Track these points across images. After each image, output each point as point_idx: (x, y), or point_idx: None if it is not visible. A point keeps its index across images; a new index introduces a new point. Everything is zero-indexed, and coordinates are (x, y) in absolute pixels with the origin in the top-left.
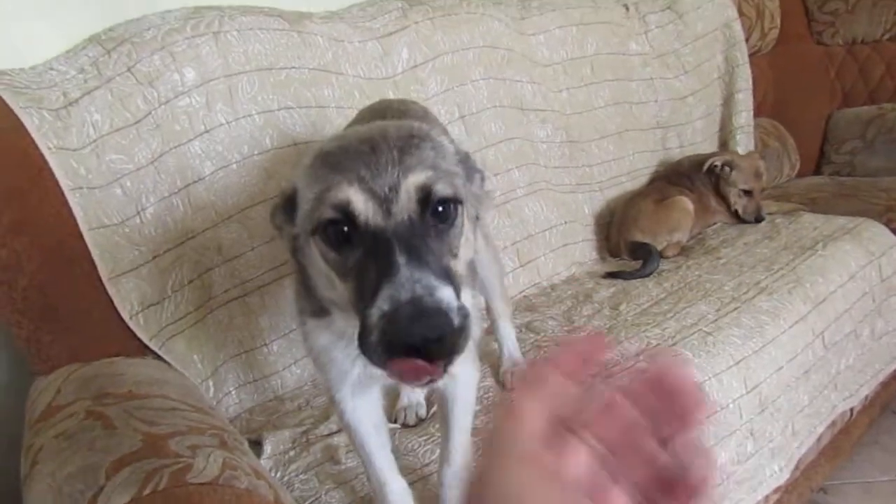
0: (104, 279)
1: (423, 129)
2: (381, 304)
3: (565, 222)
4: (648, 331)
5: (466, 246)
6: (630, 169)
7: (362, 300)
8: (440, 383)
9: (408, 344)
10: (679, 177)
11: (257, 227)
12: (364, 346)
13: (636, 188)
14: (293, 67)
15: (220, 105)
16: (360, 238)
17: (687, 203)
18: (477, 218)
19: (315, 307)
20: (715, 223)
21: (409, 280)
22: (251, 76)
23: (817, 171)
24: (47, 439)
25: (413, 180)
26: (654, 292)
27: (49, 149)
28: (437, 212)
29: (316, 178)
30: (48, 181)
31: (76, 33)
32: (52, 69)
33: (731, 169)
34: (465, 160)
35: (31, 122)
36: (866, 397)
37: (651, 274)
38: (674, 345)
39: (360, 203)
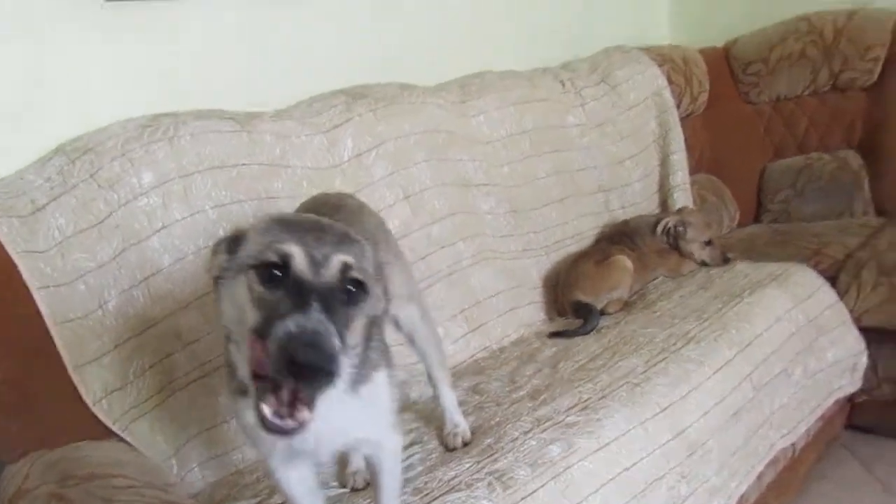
0: (69, 369)
1: (358, 235)
2: (290, 325)
3: (512, 287)
4: (582, 386)
5: (356, 331)
6: (574, 232)
7: (267, 325)
8: (368, 453)
9: (298, 360)
10: (621, 236)
11: (213, 312)
12: (263, 348)
13: (580, 249)
14: (243, 164)
15: (175, 203)
16: (287, 284)
17: (626, 262)
18: (374, 317)
19: (241, 386)
20: (656, 278)
21: (316, 317)
22: (204, 175)
23: (757, 220)
24: None
25: (342, 257)
26: (593, 348)
27: (17, 252)
28: (349, 290)
29: (268, 231)
30: (17, 282)
31: (45, 145)
32: (21, 179)
33: (685, 227)
34: (379, 270)
35: (1, 231)
36: (808, 433)
37: (591, 331)
38: (603, 398)
39: (300, 259)
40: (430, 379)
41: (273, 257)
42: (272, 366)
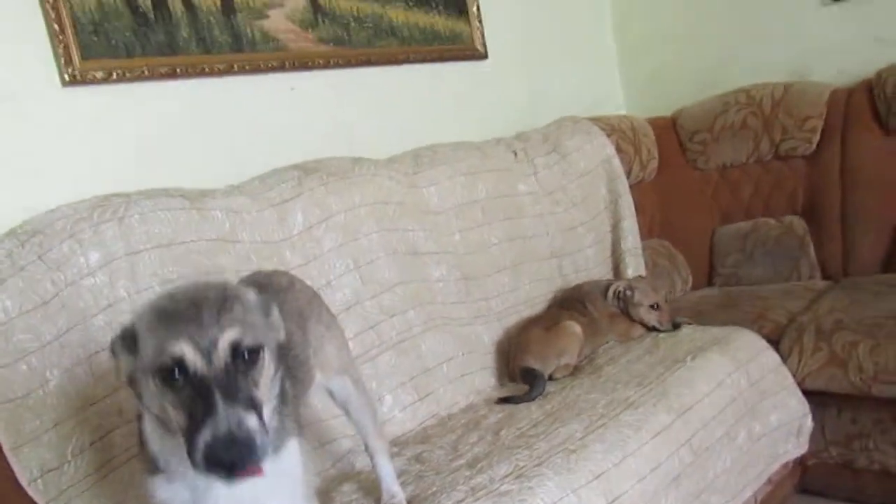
0: (6, 450)
1: (235, 289)
2: (206, 436)
3: (463, 354)
4: (519, 453)
5: (265, 385)
6: (527, 298)
7: (190, 429)
8: None
9: (224, 463)
10: (572, 301)
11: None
12: (193, 460)
13: (532, 315)
14: (192, 241)
15: (122, 280)
16: (188, 381)
17: (574, 327)
18: (279, 343)
19: (152, 464)
20: (607, 342)
21: (224, 418)
22: (151, 252)
23: (710, 284)
24: None
25: (227, 336)
26: (536, 415)
27: None
28: (245, 358)
29: (155, 329)
30: None
31: None
32: None
33: (633, 291)
34: (264, 307)
35: None
36: (755, 498)
37: (536, 398)
38: (539, 465)
39: (191, 355)
40: (367, 449)
41: (168, 362)
42: (205, 467)
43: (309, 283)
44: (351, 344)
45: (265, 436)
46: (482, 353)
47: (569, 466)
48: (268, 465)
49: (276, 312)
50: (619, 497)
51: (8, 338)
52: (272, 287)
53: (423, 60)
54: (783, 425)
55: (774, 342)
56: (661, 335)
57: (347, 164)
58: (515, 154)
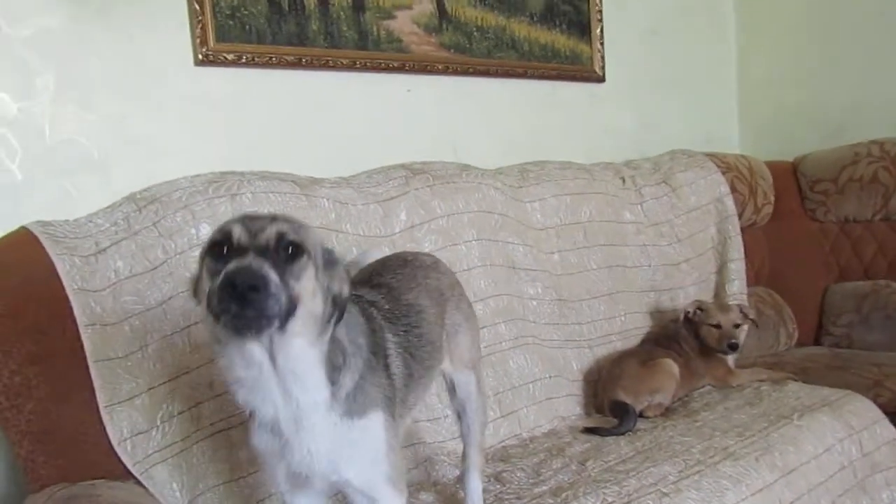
0: (101, 407)
1: (298, 221)
2: (230, 265)
3: (550, 377)
4: (608, 488)
5: (310, 294)
6: (621, 329)
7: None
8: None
9: (234, 293)
10: (668, 340)
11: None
12: (210, 302)
13: (626, 347)
14: None
15: None
16: (231, 252)
17: (672, 366)
18: (331, 291)
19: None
20: (702, 387)
21: (249, 259)
22: None
23: (817, 342)
24: None
25: (275, 227)
26: (625, 450)
27: (73, 290)
28: (288, 249)
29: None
30: (67, 318)
31: (119, 192)
32: (90, 222)
33: (702, 311)
34: (330, 257)
35: (62, 267)
36: None
37: (626, 433)
38: (628, 503)
39: (238, 231)
40: (465, 459)
41: (218, 236)
42: (217, 303)
43: None
44: None
45: (282, 296)
46: (570, 378)
47: None
48: (343, 426)
49: (341, 269)
50: None
51: (116, 297)
52: (416, 262)
53: (541, 77)
54: None
55: (890, 414)
56: (763, 387)
57: (454, 170)
58: (624, 180)
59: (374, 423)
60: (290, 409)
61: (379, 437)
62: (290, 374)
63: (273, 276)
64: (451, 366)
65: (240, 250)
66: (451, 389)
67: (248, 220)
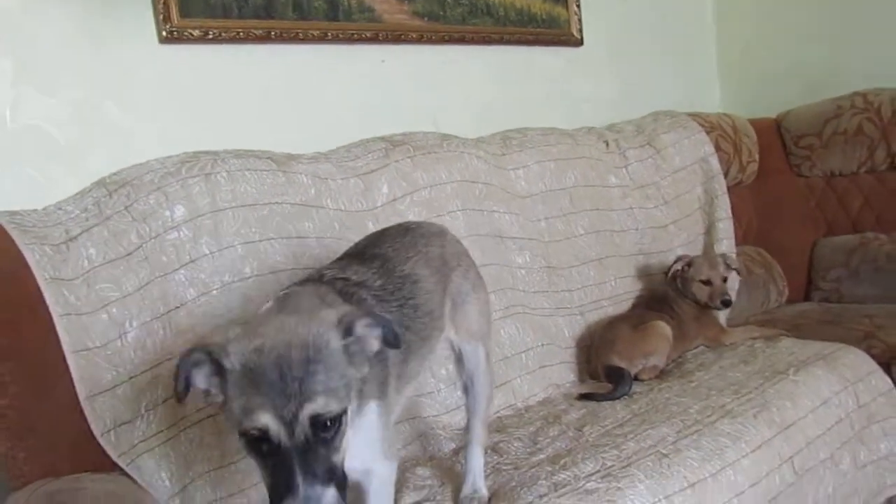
0: (81, 399)
1: (317, 342)
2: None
3: (542, 345)
4: (606, 452)
5: (341, 447)
6: (611, 294)
7: (273, 499)
8: (358, 478)
9: None
10: (659, 302)
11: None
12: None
13: (617, 312)
14: (276, 203)
15: (205, 237)
16: (271, 450)
17: (665, 328)
18: (369, 359)
19: None
20: (696, 347)
21: (302, 498)
22: (236, 211)
23: (807, 298)
24: None
25: (308, 409)
26: (621, 414)
27: (45, 279)
28: (326, 426)
29: (243, 388)
30: (39, 309)
31: (87, 178)
32: (60, 209)
33: (690, 266)
34: (350, 346)
35: (31, 257)
36: None
37: (621, 397)
38: (627, 466)
39: (274, 428)
40: (468, 431)
41: (254, 431)
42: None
43: None
44: None
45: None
46: (562, 346)
47: (661, 471)
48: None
49: (359, 329)
50: None
51: (91, 285)
52: (419, 230)
53: (517, 42)
54: (893, 454)
55: (885, 365)
56: (757, 344)
57: (435, 140)
58: (607, 144)
59: (370, 415)
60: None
61: (374, 426)
62: None
63: (334, 500)
64: (457, 336)
65: (280, 455)
66: (459, 360)
67: (278, 407)
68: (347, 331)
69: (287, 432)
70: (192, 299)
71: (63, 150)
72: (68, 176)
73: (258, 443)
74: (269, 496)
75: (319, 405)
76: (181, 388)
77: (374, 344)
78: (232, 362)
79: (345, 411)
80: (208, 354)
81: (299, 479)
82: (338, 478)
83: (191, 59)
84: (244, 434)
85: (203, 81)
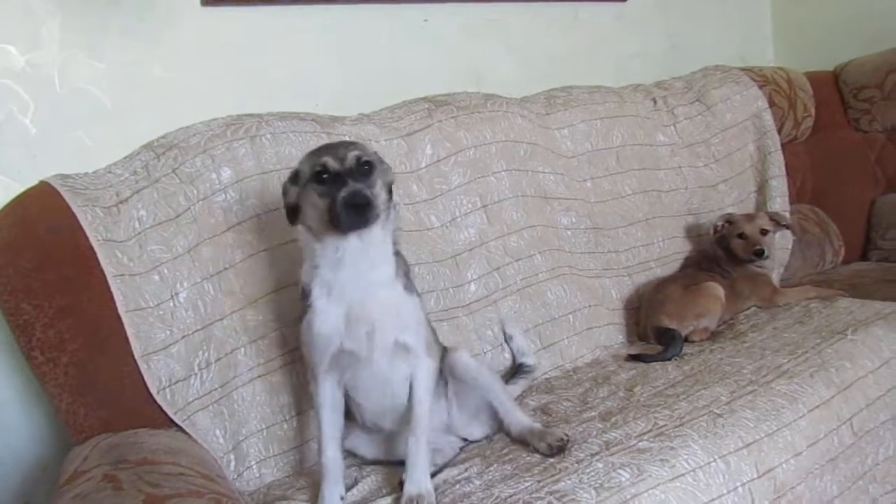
0: (136, 357)
1: (360, 142)
2: (343, 193)
3: (590, 306)
4: (658, 412)
5: (380, 192)
6: (660, 255)
7: (331, 203)
8: (409, 370)
9: (355, 207)
10: (710, 262)
11: (283, 310)
12: (334, 215)
13: (666, 273)
14: None
15: (252, 200)
16: (330, 177)
17: (717, 289)
18: (386, 182)
19: (306, 291)
20: (748, 308)
21: (353, 185)
22: (282, 174)
23: (864, 258)
24: (65, 501)
25: (353, 152)
26: (673, 375)
27: (98, 241)
28: (364, 166)
29: (311, 156)
30: (94, 269)
31: (136, 141)
32: (109, 172)
33: (730, 223)
34: (379, 157)
35: (84, 219)
36: None
37: (672, 358)
38: (680, 426)
39: (331, 161)
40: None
41: (318, 167)
42: (341, 217)
43: (434, 219)
44: (473, 286)
45: (378, 206)
46: (610, 307)
47: (715, 431)
48: (404, 297)
49: (387, 166)
50: (772, 470)
51: (142, 247)
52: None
53: None
54: None
55: None
56: (812, 305)
57: (479, 100)
58: (655, 102)
59: (419, 302)
60: (361, 286)
61: (422, 311)
62: (368, 255)
63: (371, 195)
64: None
65: (337, 175)
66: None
67: (332, 150)
68: (376, 153)
69: (339, 164)
70: (241, 261)
71: (110, 113)
72: (115, 138)
73: (321, 175)
74: (328, 207)
75: (360, 150)
76: (291, 216)
77: (391, 177)
78: (303, 160)
79: (375, 165)
80: (291, 172)
81: (349, 181)
82: (373, 194)
83: (233, 20)
84: (313, 175)
85: (245, 43)
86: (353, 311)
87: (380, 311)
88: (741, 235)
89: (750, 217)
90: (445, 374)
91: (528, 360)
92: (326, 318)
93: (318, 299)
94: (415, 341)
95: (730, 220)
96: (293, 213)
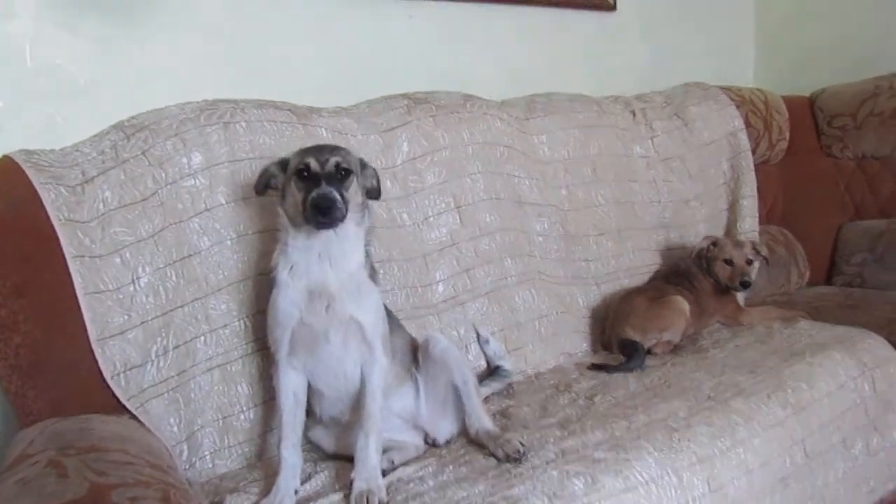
0: (92, 340)
1: (345, 148)
2: (314, 194)
3: (557, 313)
4: (616, 423)
5: (355, 195)
6: (629, 266)
7: (305, 197)
8: (362, 364)
9: (321, 208)
10: (679, 277)
11: (246, 300)
12: (305, 210)
13: (634, 285)
14: None
15: (221, 187)
16: (310, 176)
17: (682, 303)
18: (366, 186)
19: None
20: (712, 325)
21: (324, 188)
22: (254, 163)
23: (828, 282)
24: (7, 485)
25: (334, 159)
26: (633, 387)
27: (60, 220)
28: (342, 174)
29: (299, 154)
30: (54, 249)
31: (106, 120)
32: (77, 151)
33: (716, 246)
34: (363, 163)
35: (47, 197)
36: None
37: (634, 370)
38: (637, 438)
39: (313, 164)
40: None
41: (301, 166)
42: (308, 215)
43: (406, 217)
44: (441, 287)
45: (344, 209)
46: (577, 315)
47: (670, 444)
48: (368, 284)
49: (370, 168)
50: (724, 487)
51: (105, 228)
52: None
53: (548, 4)
54: None
55: None
56: (775, 326)
57: (458, 100)
58: (634, 114)
59: (379, 295)
60: (324, 268)
61: (380, 304)
62: (340, 247)
63: (338, 197)
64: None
65: (315, 176)
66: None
67: (318, 152)
68: (364, 162)
69: (319, 166)
70: (206, 248)
71: (82, 90)
72: (86, 116)
73: (303, 173)
74: (302, 200)
75: (342, 157)
76: (260, 187)
77: (373, 182)
78: (294, 153)
79: (353, 174)
80: (279, 159)
81: (323, 183)
82: (345, 201)
83: (213, 3)
84: (296, 171)
85: (225, 28)
86: (315, 286)
87: (339, 287)
88: (728, 261)
89: (737, 244)
90: (419, 355)
91: (505, 363)
92: (288, 291)
93: (282, 273)
94: (371, 329)
95: (715, 243)
96: (264, 185)
